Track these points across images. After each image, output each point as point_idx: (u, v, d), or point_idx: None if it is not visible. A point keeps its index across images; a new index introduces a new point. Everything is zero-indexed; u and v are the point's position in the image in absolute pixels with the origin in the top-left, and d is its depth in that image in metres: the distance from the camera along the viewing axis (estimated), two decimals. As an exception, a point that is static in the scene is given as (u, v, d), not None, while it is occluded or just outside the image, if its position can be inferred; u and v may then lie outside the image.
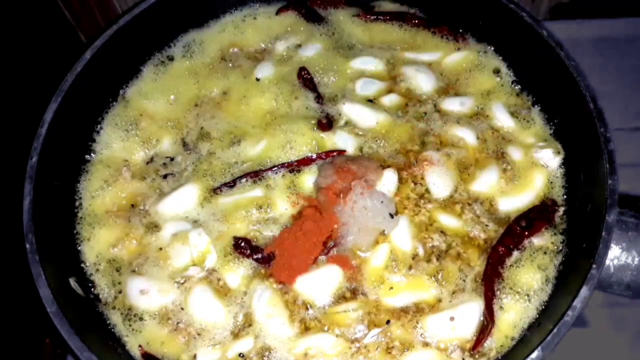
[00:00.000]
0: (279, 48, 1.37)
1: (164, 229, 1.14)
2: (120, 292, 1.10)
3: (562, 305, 0.95)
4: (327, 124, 1.23)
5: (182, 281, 1.09)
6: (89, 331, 0.98)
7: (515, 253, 1.09)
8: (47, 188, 1.10)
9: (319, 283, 1.07)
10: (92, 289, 1.11)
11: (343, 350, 1.03)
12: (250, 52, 1.38)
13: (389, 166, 1.17)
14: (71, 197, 1.19)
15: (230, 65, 1.36)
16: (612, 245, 1.00)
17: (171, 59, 1.37)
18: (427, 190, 1.16)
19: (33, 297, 0.96)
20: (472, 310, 1.04)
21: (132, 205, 1.18)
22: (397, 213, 1.12)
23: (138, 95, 1.32)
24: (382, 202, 1.10)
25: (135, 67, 1.34)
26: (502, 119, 1.25)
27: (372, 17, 1.41)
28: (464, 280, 1.08)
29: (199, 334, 1.06)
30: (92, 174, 1.22)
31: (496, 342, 1.03)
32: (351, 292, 1.07)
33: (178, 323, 1.07)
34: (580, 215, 1.10)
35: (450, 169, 1.18)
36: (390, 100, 1.28)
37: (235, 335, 1.05)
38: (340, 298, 1.07)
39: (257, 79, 1.32)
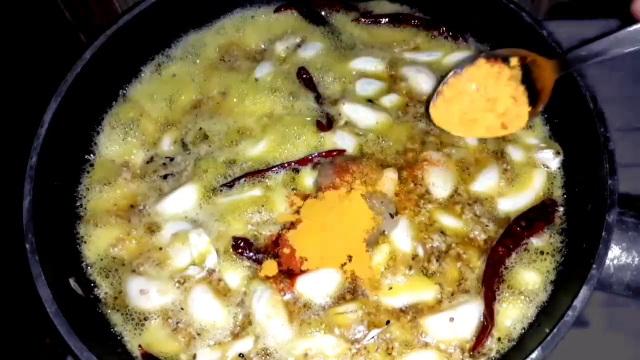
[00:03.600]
0: (279, 48, 1.37)
1: (164, 229, 1.15)
2: (120, 292, 1.10)
3: (562, 305, 0.95)
4: (326, 124, 1.23)
5: (182, 281, 1.09)
6: (89, 331, 0.98)
7: (515, 253, 1.09)
8: (46, 188, 1.10)
9: (319, 284, 1.06)
10: (92, 289, 1.11)
11: (343, 352, 1.03)
12: (250, 52, 1.38)
13: (389, 166, 1.16)
14: (71, 197, 1.19)
15: (230, 65, 1.36)
16: (612, 245, 0.99)
17: (171, 59, 1.37)
18: (427, 191, 1.16)
19: (33, 297, 0.96)
20: (471, 310, 1.04)
21: (132, 205, 1.18)
22: (397, 213, 1.12)
23: (138, 95, 1.32)
24: (382, 202, 1.10)
25: (135, 68, 1.34)
26: (502, 119, 1.25)
27: (370, 21, 1.40)
28: (464, 281, 1.08)
29: (198, 334, 1.06)
30: (92, 174, 1.22)
31: (496, 342, 1.03)
32: (351, 293, 1.07)
33: (178, 323, 1.07)
34: (580, 216, 1.10)
35: (450, 169, 1.18)
36: (391, 100, 1.28)
37: (235, 335, 1.05)
38: (340, 299, 1.06)
39: (257, 79, 1.31)
